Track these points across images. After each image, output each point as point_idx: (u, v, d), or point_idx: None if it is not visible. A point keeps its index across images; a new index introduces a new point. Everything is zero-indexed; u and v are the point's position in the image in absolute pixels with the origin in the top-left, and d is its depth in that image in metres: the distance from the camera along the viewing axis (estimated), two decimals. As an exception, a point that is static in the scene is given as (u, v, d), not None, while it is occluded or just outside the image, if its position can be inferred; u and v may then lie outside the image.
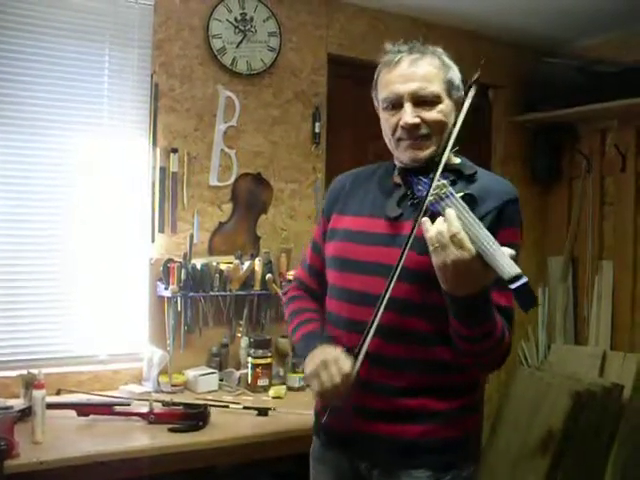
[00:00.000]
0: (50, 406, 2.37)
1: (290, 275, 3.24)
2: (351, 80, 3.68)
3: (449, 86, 1.70)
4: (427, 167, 1.64)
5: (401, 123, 1.66)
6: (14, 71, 2.79)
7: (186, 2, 3.14)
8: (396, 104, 1.68)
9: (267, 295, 3.20)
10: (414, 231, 1.52)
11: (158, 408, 2.54)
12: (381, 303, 1.54)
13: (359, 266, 1.69)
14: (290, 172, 3.42)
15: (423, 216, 1.49)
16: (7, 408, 2.37)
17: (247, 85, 3.30)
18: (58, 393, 2.73)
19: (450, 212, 1.42)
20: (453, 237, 1.37)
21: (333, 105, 3.59)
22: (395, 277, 1.53)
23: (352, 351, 1.58)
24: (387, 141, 1.76)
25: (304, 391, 3.07)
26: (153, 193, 3.06)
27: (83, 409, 2.52)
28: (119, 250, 3.02)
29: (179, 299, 3.00)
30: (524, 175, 4.23)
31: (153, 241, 3.06)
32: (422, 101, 1.65)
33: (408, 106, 1.65)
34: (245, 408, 2.70)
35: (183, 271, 2.99)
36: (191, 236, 3.12)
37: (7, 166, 2.80)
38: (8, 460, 2.05)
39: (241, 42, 3.24)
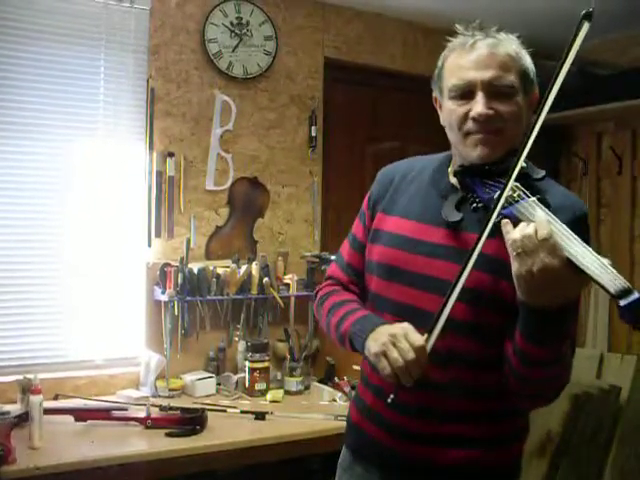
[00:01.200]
0: (47, 411, 2.36)
1: (287, 279, 3.24)
2: (347, 84, 3.68)
3: (524, 79, 1.51)
4: (491, 170, 1.46)
5: (472, 114, 1.46)
6: (10, 76, 2.79)
7: (182, 6, 3.14)
8: (466, 93, 1.48)
9: (264, 299, 3.20)
10: (480, 243, 1.33)
11: (155, 413, 2.53)
12: (435, 324, 1.36)
13: (410, 277, 1.51)
14: (287, 176, 3.42)
15: (495, 221, 1.32)
16: (4, 414, 2.36)
17: (243, 89, 3.30)
18: (55, 398, 2.72)
19: (540, 214, 1.25)
20: (544, 242, 1.20)
21: (329, 109, 3.59)
22: (454, 297, 1.34)
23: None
24: (451, 135, 1.55)
25: (302, 395, 3.07)
26: (150, 197, 3.06)
27: (80, 414, 2.51)
28: (116, 254, 3.02)
29: (176, 303, 3.00)
30: (521, 178, 4.22)
31: (150, 245, 3.06)
32: (496, 92, 1.47)
33: (481, 96, 1.46)
34: (243, 412, 2.69)
35: (180, 275, 2.98)
36: (188, 240, 3.12)
37: (2, 171, 2.80)
38: (5, 466, 2.05)
39: (237, 46, 3.24)
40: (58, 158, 2.90)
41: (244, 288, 3.14)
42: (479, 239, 1.33)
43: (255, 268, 3.15)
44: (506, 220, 1.28)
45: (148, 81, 3.06)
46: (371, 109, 3.75)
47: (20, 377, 2.59)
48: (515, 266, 1.25)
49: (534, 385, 1.42)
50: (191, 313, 3.07)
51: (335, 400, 2.94)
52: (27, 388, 2.44)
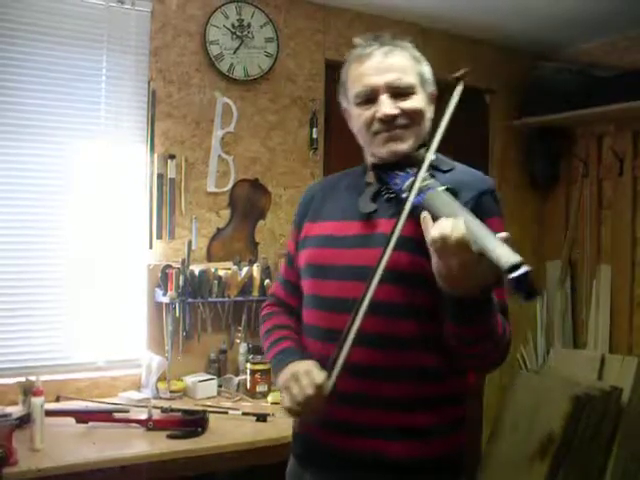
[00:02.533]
0: (49, 413, 2.37)
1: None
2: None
3: (422, 79, 1.64)
4: (401, 164, 1.58)
5: (378, 115, 1.58)
6: (11, 78, 2.79)
7: (183, 8, 3.15)
8: (371, 97, 1.60)
9: (265, 301, 3.19)
10: (398, 227, 1.42)
11: (157, 414, 2.53)
12: (358, 308, 1.42)
13: (334, 271, 1.59)
14: (288, 178, 3.43)
15: (403, 209, 1.43)
16: (6, 415, 2.36)
17: (244, 91, 3.31)
18: (57, 400, 2.73)
19: (450, 208, 1.33)
20: (459, 240, 1.25)
21: (330, 110, 3.59)
22: (376, 280, 1.41)
23: (328, 363, 1.45)
24: (360, 138, 1.68)
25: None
26: (151, 199, 3.06)
27: (82, 416, 2.51)
28: (117, 256, 3.02)
29: (177, 305, 3.00)
30: (521, 180, 4.23)
31: (151, 247, 3.06)
32: (398, 92, 1.59)
33: (386, 97, 1.58)
34: (244, 414, 2.69)
35: (181, 277, 2.99)
36: (189, 242, 3.12)
37: (4, 173, 2.80)
38: (7, 468, 2.05)
39: (238, 48, 3.24)
40: (59, 160, 2.90)
41: (245, 290, 3.14)
42: (395, 226, 1.42)
43: (256, 270, 3.15)
44: (426, 214, 1.35)
45: (149, 83, 3.07)
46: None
47: (22, 379, 2.59)
48: (434, 261, 1.32)
49: (478, 356, 1.48)
50: (192, 315, 3.07)
51: (336, 402, 2.93)
52: (29, 390, 2.43)
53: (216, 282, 3.07)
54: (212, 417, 2.57)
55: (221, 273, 3.10)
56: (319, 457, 1.63)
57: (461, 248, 1.25)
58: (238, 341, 3.19)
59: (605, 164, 3.96)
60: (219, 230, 3.25)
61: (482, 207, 1.51)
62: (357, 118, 1.65)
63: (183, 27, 3.15)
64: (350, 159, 3.84)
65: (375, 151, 1.65)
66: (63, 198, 2.92)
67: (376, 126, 1.60)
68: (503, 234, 1.23)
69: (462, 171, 1.63)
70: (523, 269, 1.15)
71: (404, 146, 1.60)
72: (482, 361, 1.52)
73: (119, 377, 3.00)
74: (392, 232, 1.43)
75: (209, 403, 2.83)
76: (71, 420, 2.49)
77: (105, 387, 2.95)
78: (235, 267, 3.11)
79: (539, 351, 4.16)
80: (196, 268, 3.05)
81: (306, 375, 1.46)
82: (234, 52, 3.24)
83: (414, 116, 1.60)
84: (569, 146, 4.15)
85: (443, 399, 1.57)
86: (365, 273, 1.45)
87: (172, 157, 3.11)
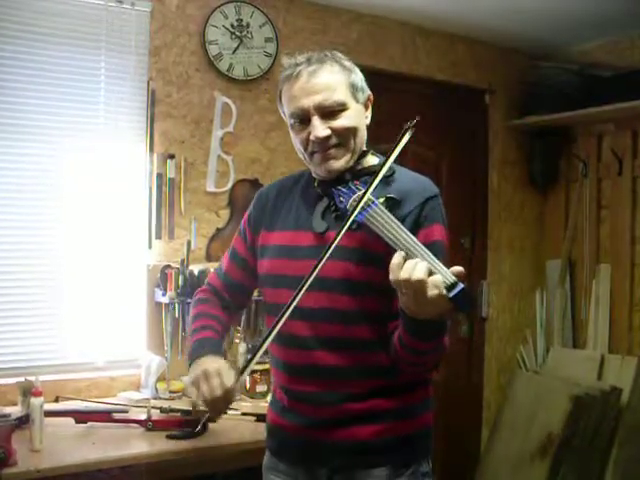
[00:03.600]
0: (48, 413, 2.36)
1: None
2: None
3: (353, 90, 1.68)
4: (343, 176, 1.66)
5: (311, 137, 1.64)
6: (10, 78, 2.79)
7: (182, 8, 3.14)
8: (303, 118, 1.65)
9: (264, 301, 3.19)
10: (334, 243, 1.51)
11: (156, 415, 2.53)
12: (283, 314, 1.52)
13: (291, 281, 1.64)
14: (287, 178, 3.42)
15: (349, 228, 1.51)
16: (5, 416, 2.35)
17: (244, 91, 3.30)
18: (56, 400, 2.72)
19: (417, 262, 1.37)
20: (420, 281, 1.33)
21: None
22: (305, 288, 1.51)
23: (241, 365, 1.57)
24: (300, 155, 1.74)
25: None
26: (150, 199, 3.06)
27: (81, 416, 2.51)
28: (116, 256, 3.02)
29: (177, 305, 2.99)
30: (521, 179, 4.23)
31: (150, 247, 3.06)
32: (329, 111, 1.63)
33: (316, 119, 1.63)
34: (243, 414, 2.69)
35: (181, 277, 2.98)
36: (188, 242, 3.12)
37: (2, 172, 2.79)
38: (6, 468, 2.04)
39: (237, 48, 3.24)
40: (58, 160, 2.90)
41: (245, 290, 3.13)
42: (334, 240, 1.51)
43: (256, 270, 3.15)
44: (398, 255, 1.39)
45: (149, 83, 3.06)
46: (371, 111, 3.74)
47: (21, 379, 2.59)
48: (401, 298, 1.41)
49: (419, 365, 1.60)
50: (192, 315, 3.07)
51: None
52: (28, 390, 2.43)
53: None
54: (211, 417, 2.57)
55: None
56: (292, 449, 1.74)
57: (421, 286, 1.33)
58: (237, 341, 3.18)
59: (604, 164, 3.96)
60: (218, 230, 3.25)
61: (426, 215, 1.60)
62: (294, 138, 1.72)
63: (182, 27, 3.15)
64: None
65: (314, 170, 1.73)
66: (62, 198, 2.91)
67: (311, 147, 1.66)
68: (457, 268, 1.33)
69: (407, 179, 1.69)
70: (459, 287, 1.30)
71: (339, 164, 1.66)
72: (422, 367, 1.63)
73: (118, 377, 2.99)
74: (329, 246, 1.51)
75: (208, 403, 2.82)
76: (70, 420, 2.49)
77: (104, 387, 2.94)
78: (234, 267, 3.11)
79: (538, 351, 4.16)
80: (195, 268, 3.04)
81: (217, 376, 1.56)
82: (233, 52, 3.24)
83: (346, 134, 1.65)
84: (569, 146, 4.15)
85: (400, 387, 1.67)
86: (323, 283, 1.58)
87: (171, 157, 3.10)
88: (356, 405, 1.63)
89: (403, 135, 1.58)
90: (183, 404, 2.77)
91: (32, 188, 2.85)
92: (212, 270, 2.10)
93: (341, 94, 1.65)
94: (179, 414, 2.55)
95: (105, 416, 2.53)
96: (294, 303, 1.52)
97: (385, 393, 1.64)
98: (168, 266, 3.01)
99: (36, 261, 2.87)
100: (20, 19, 2.79)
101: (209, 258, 3.21)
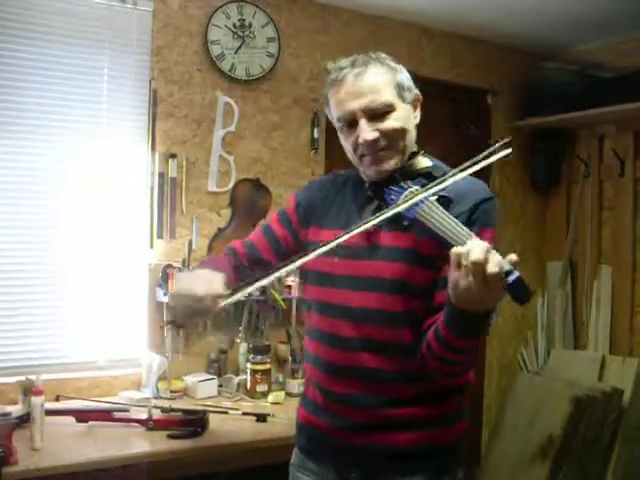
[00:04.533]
0: (49, 412, 2.36)
1: (289, 281, 3.24)
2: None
3: (400, 90, 1.66)
4: (394, 176, 1.64)
5: (360, 140, 1.63)
6: (12, 77, 2.79)
7: (185, 8, 3.14)
8: (351, 122, 1.65)
9: (266, 301, 3.20)
10: (376, 220, 1.51)
11: (157, 414, 2.53)
12: (287, 264, 1.54)
13: (340, 280, 1.66)
14: (289, 178, 3.42)
15: (396, 224, 1.52)
16: (5, 415, 2.36)
17: (246, 91, 3.30)
18: (57, 399, 2.72)
19: (481, 242, 1.32)
20: (494, 274, 1.27)
21: (332, 110, 3.59)
22: (332, 244, 1.53)
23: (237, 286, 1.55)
24: (350, 157, 1.73)
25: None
26: (152, 199, 3.06)
27: (82, 415, 2.51)
28: (118, 256, 3.02)
29: (178, 305, 2.99)
30: (523, 180, 4.23)
31: (152, 247, 3.06)
32: (376, 113, 1.62)
33: (363, 122, 1.62)
34: (244, 414, 2.69)
35: (182, 277, 2.98)
36: (190, 242, 3.12)
37: (5, 172, 2.80)
38: (7, 467, 2.05)
39: (240, 48, 3.24)
40: (60, 159, 2.90)
41: (246, 290, 3.13)
42: (365, 223, 1.52)
43: (257, 270, 3.14)
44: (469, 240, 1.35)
45: (150, 82, 3.06)
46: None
47: (22, 378, 2.59)
48: (457, 279, 1.32)
49: (449, 364, 1.54)
50: (193, 314, 3.06)
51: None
52: (29, 389, 2.43)
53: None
54: (212, 417, 2.57)
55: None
56: (323, 449, 1.72)
57: (494, 279, 1.27)
58: (238, 341, 3.18)
59: (606, 165, 3.96)
60: (220, 230, 3.25)
61: (477, 218, 1.57)
62: (343, 142, 1.72)
63: (184, 27, 3.15)
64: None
65: (364, 172, 1.72)
66: (64, 197, 2.91)
67: (360, 150, 1.66)
68: (513, 257, 1.28)
69: (461, 180, 1.61)
70: (515, 274, 1.26)
71: (389, 165, 1.65)
72: (449, 368, 1.57)
73: (119, 376, 3.00)
74: (367, 220, 1.53)
75: (209, 403, 2.83)
76: (71, 419, 2.49)
77: (105, 386, 2.95)
78: (236, 267, 3.10)
79: (539, 352, 4.16)
80: (197, 268, 3.04)
81: (208, 281, 1.54)
82: (235, 52, 3.23)
83: (394, 135, 1.64)
84: (570, 147, 4.15)
85: (441, 394, 1.65)
86: (375, 284, 1.59)
87: (173, 156, 3.10)
88: (394, 411, 1.62)
89: (492, 153, 1.54)
90: (184, 404, 2.78)
91: (33, 187, 2.85)
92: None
93: (388, 95, 1.64)
94: (180, 414, 2.55)
95: (106, 415, 2.53)
96: (331, 245, 1.52)
97: (423, 400, 1.62)
98: (169, 265, 3.01)
99: (37, 260, 2.87)
100: (22, 18, 2.79)
101: (210, 258, 3.21)
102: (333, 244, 1.51)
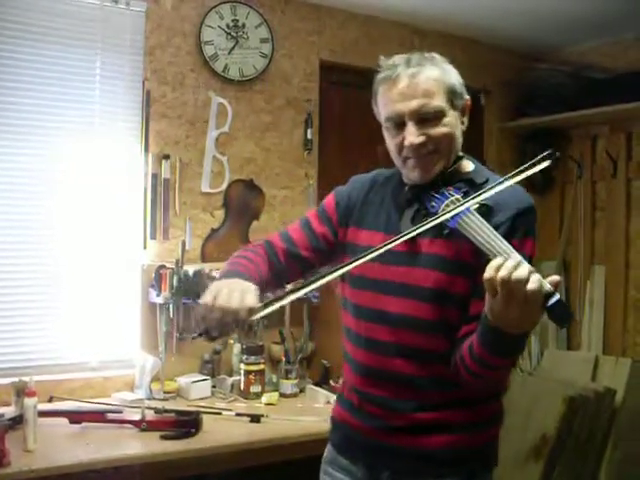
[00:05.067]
0: (42, 414, 2.36)
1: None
2: (343, 86, 3.69)
3: (451, 96, 1.63)
4: (436, 181, 1.61)
5: (406, 143, 1.59)
6: (4, 77, 2.78)
7: (178, 9, 3.14)
8: (399, 123, 1.61)
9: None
10: (418, 230, 1.48)
11: (150, 415, 2.53)
12: (318, 278, 1.45)
13: (378, 285, 1.64)
14: (282, 178, 3.42)
15: (436, 232, 1.49)
16: (-2, 416, 2.35)
17: (239, 91, 3.30)
18: (50, 401, 2.71)
19: (521, 261, 1.30)
20: (520, 283, 1.26)
21: (325, 111, 3.59)
22: (369, 256, 1.47)
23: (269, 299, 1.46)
24: (393, 158, 1.69)
25: (297, 397, 3.07)
26: (145, 199, 3.05)
27: (75, 417, 2.51)
28: (111, 257, 3.01)
29: (171, 306, 2.99)
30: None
31: (145, 247, 3.05)
32: (425, 118, 1.58)
33: (411, 125, 1.58)
34: (238, 415, 2.69)
35: (175, 277, 2.98)
36: (183, 242, 3.12)
37: (-3, 173, 2.79)
38: (-1, 468, 2.05)
39: (233, 48, 3.24)
40: (53, 160, 2.89)
41: (239, 290, 3.12)
42: (411, 231, 1.49)
43: (250, 270, 3.14)
44: (500, 257, 1.32)
45: (144, 83, 3.06)
46: (366, 111, 3.71)
47: (15, 379, 2.58)
48: (489, 302, 1.33)
49: (480, 378, 1.53)
50: (186, 315, 3.06)
51: (330, 403, 2.93)
52: (22, 390, 2.42)
53: (210, 282, 3.05)
54: (206, 418, 2.56)
55: (215, 273, 3.09)
56: (356, 447, 1.72)
57: (534, 298, 1.26)
58: (232, 342, 3.18)
59: (599, 166, 3.97)
60: (213, 230, 3.25)
61: (518, 227, 1.55)
62: (388, 142, 1.68)
63: (178, 27, 3.15)
64: (344, 160, 3.86)
65: (406, 174, 1.67)
66: (56, 198, 2.91)
67: (405, 152, 1.61)
68: (555, 278, 1.27)
69: (502, 189, 1.60)
70: (556, 297, 1.25)
71: (433, 170, 1.61)
72: (483, 382, 1.56)
73: (112, 377, 2.99)
74: (408, 232, 1.48)
75: (203, 404, 2.82)
76: (64, 421, 2.48)
77: (98, 387, 2.94)
78: (229, 268, 3.10)
79: (533, 352, 4.16)
80: (190, 268, 3.04)
81: (242, 292, 1.44)
82: (229, 52, 3.23)
83: (442, 141, 1.60)
84: (563, 147, 4.16)
85: (473, 400, 1.64)
86: (413, 291, 1.57)
87: (166, 157, 3.10)
88: (427, 415, 1.61)
89: (537, 163, 1.53)
90: (177, 405, 2.77)
91: (25, 188, 2.85)
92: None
93: (439, 100, 1.59)
94: (173, 415, 2.55)
95: (99, 416, 2.53)
96: (352, 265, 1.47)
97: (457, 405, 1.62)
98: (163, 266, 3.00)
99: (30, 261, 2.86)
100: (15, 18, 2.79)
101: (204, 258, 3.21)
102: (376, 252, 1.47)
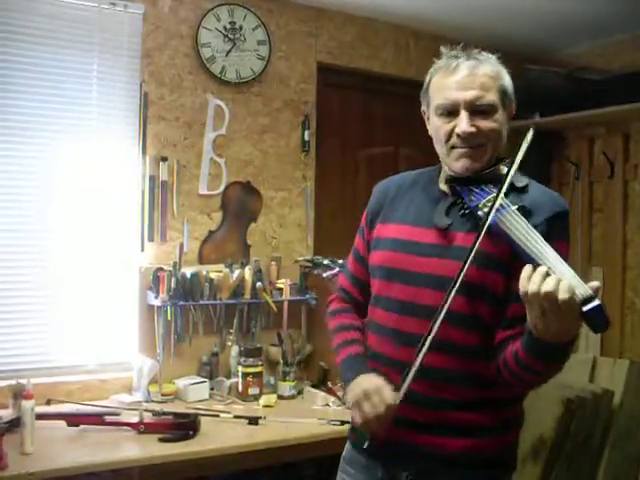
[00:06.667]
0: (39, 416, 2.35)
1: (280, 283, 3.24)
2: (340, 88, 3.69)
3: (503, 95, 1.66)
4: (476, 178, 1.63)
5: (457, 131, 1.61)
6: (1, 80, 2.78)
7: (175, 11, 3.14)
8: (452, 111, 1.63)
9: (257, 304, 3.20)
10: (476, 245, 1.49)
11: (148, 418, 2.53)
12: (436, 320, 1.49)
13: (408, 276, 1.64)
14: (280, 180, 3.42)
15: (482, 228, 1.49)
16: (-5, 419, 2.35)
17: (236, 93, 3.30)
18: (47, 403, 2.71)
19: (546, 275, 1.31)
20: (550, 295, 1.27)
21: (322, 113, 3.60)
22: (454, 291, 1.49)
23: (400, 378, 1.54)
24: (438, 148, 1.71)
25: (295, 399, 3.06)
26: (143, 202, 3.05)
27: (73, 419, 2.50)
28: (109, 259, 3.01)
29: (169, 308, 2.99)
30: (513, 182, 4.24)
31: (143, 250, 3.05)
32: (478, 110, 1.61)
33: (465, 114, 1.61)
34: (236, 417, 2.69)
35: (173, 280, 2.98)
36: (181, 245, 3.12)
37: (-5, 175, 2.79)
38: (-3, 471, 2.04)
39: (230, 51, 3.24)
40: (50, 162, 2.89)
41: (237, 293, 3.13)
42: (475, 243, 1.49)
43: (248, 273, 3.15)
44: (527, 267, 1.33)
45: (141, 85, 3.06)
46: (364, 113, 3.76)
47: (12, 382, 2.58)
48: (529, 314, 1.35)
49: (527, 382, 1.56)
50: (184, 318, 3.06)
51: (328, 405, 2.94)
52: (19, 393, 2.42)
53: (208, 285, 3.06)
54: (204, 420, 2.57)
55: (213, 276, 3.09)
56: (377, 447, 1.68)
57: (565, 306, 1.27)
58: (230, 344, 3.18)
59: (596, 167, 3.98)
60: (211, 233, 3.25)
61: (553, 230, 1.55)
62: (436, 128, 1.68)
63: (175, 29, 3.15)
64: (342, 161, 3.86)
65: (450, 164, 1.68)
66: (54, 200, 2.90)
67: (454, 140, 1.63)
68: (595, 284, 1.27)
69: (537, 191, 1.66)
70: (595, 302, 1.24)
71: (478, 164, 1.64)
72: (530, 386, 1.60)
73: (110, 380, 2.98)
74: (471, 249, 1.49)
75: (201, 406, 2.82)
76: (62, 423, 2.48)
77: (96, 390, 2.93)
78: (227, 270, 3.11)
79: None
80: (188, 271, 3.04)
81: (377, 394, 1.54)
82: (226, 54, 3.23)
83: (491, 135, 1.63)
84: (560, 149, 4.17)
85: (499, 402, 1.63)
86: (444, 283, 1.54)
87: (164, 159, 3.10)
88: (453, 414, 1.60)
89: (524, 140, 1.60)
90: (175, 407, 2.77)
91: (22, 190, 2.84)
92: (339, 274, 2.11)
93: (494, 96, 1.64)
94: (171, 417, 2.55)
95: (97, 419, 2.53)
96: (444, 310, 1.49)
97: (481, 406, 1.61)
98: (160, 269, 3.00)
99: (27, 264, 2.86)
100: (11, 21, 2.78)
101: (201, 261, 3.21)
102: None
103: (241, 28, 3.27)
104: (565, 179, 4.14)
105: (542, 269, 1.31)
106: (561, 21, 3.62)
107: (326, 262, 3.21)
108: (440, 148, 1.69)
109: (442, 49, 1.73)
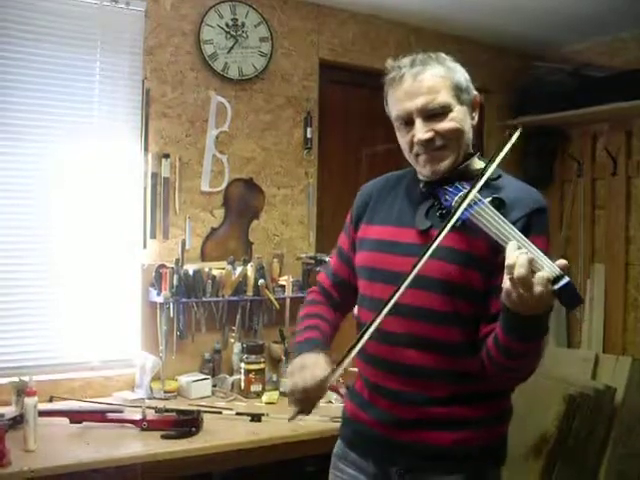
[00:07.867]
0: (42, 413, 2.36)
1: (282, 280, 3.24)
2: (342, 85, 3.69)
3: (457, 91, 1.68)
4: (450, 177, 1.65)
5: (415, 139, 1.64)
6: (4, 77, 2.78)
7: (177, 8, 3.14)
8: (408, 121, 1.66)
9: (259, 301, 3.20)
10: (438, 239, 1.51)
11: (151, 415, 2.53)
12: (380, 312, 1.52)
13: (389, 276, 1.66)
14: (282, 177, 3.42)
15: (452, 226, 1.51)
16: (-2, 416, 2.35)
17: (239, 90, 3.30)
18: (50, 400, 2.72)
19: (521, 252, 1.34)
20: (538, 284, 1.30)
21: (324, 110, 3.59)
22: (405, 284, 1.51)
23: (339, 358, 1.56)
24: (407, 156, 1.73)
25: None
26: (145, 199, 3.05)
27: (75, 416, 2.51)
28: (111, 256, 3.01)
29: (171, 305, 2.99)
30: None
31: (145, 247, 3.05)
32: (432, 114, 1.63)
33: (419, 122, 1.63)
34: (238, 414, 2.69)
35: (175, 277, 2.98)
36: (183, 242, 3.12)
37: (-3, 173, 2.79)
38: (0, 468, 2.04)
39: (232, 47, 3.24)
40: (52, 159, 2.89)
41: (239, 290, 3.14)
42: (435, 238, 1.51)
43: (250, 270, 3.15)
44: (512, 249, 1.35)
45: (143, 82, 3.06)
46: (366, 110, 3.75)
47: (15, 379, 2.58)
48: (509, 290, 1.34)
49: (511, 371, 1.56)
50: (186, 315, 3.07)
51: (330, 401, 2.93)
52: (22, 390, 2.43)
53: (210, 282, 3.06)
54: (206, 417, 2.57)
55: (215, 273, 3.09)
56: (366, 442, 1.74)
57: (541, 284, 1.29)
58: (232, 341, 3.19)
59: (599, 164, 3.97)
60: (213, 230, 3.25)
61: (532, 224, 1.57)
62: (400, 140, 1.72)
63: (177, 26, 3.15)
64: (344, 158, 3.86)
65: (420, 171, 1.71)
66: (56, 198, 2.90)
67: (416, 149, 1.66)
68: (563, 262, 1.31)
69: (515, 187, 1.68)
70: (565, 280, 1.28)
71: (444, 165, 1.65)
72: (514, 374, 1.59)
73: (113, 377, 2.99)
74: (433, 240, 1.51)
75: (203, 403, 2.82)
76: (65, 420, 2.49)
77: (99, 387, 2.94)
78: (229, 267, 3.11)
79: (533, 350, 4.16)
80: (190, 268, 3.04)
81: (311, 367, 1.58)
82: (228, 51, 3.23)
83: (450, 135, 1.65)
84: (563, 146, 4.16)
85: (486, 395, 1.66)
86: (421, 281, 1.55)
87: (166, 156, 3.10)
88: (437, 409, 1.62)
89: (509, 140, 1.63)
90: (178, 404, 2.77)
91: (25, 188, 2.84)
92: (320, 269, 2.16)
93: (445, 96, 1.65)
94: (174, 414, 2.55)
95: (99, 416, 2.53)
96: (392, 301, 1.51)
97: (467, 400, 1.63)
98: (163, 266, 3.00)
99: (30, 260, 2.86)
100: (13, 18, 2.78)
101: (204, 258, 3.21)
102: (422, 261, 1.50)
103: (243, 25, 3.26)
104: (568, 176, 4.13)
105: (514, 244, 1.34)
106: (565, 18, 3.61)
107: (328, 259, 3.20)
108: (408, 157, 1.73)
109: (387, 62, 1.76)
